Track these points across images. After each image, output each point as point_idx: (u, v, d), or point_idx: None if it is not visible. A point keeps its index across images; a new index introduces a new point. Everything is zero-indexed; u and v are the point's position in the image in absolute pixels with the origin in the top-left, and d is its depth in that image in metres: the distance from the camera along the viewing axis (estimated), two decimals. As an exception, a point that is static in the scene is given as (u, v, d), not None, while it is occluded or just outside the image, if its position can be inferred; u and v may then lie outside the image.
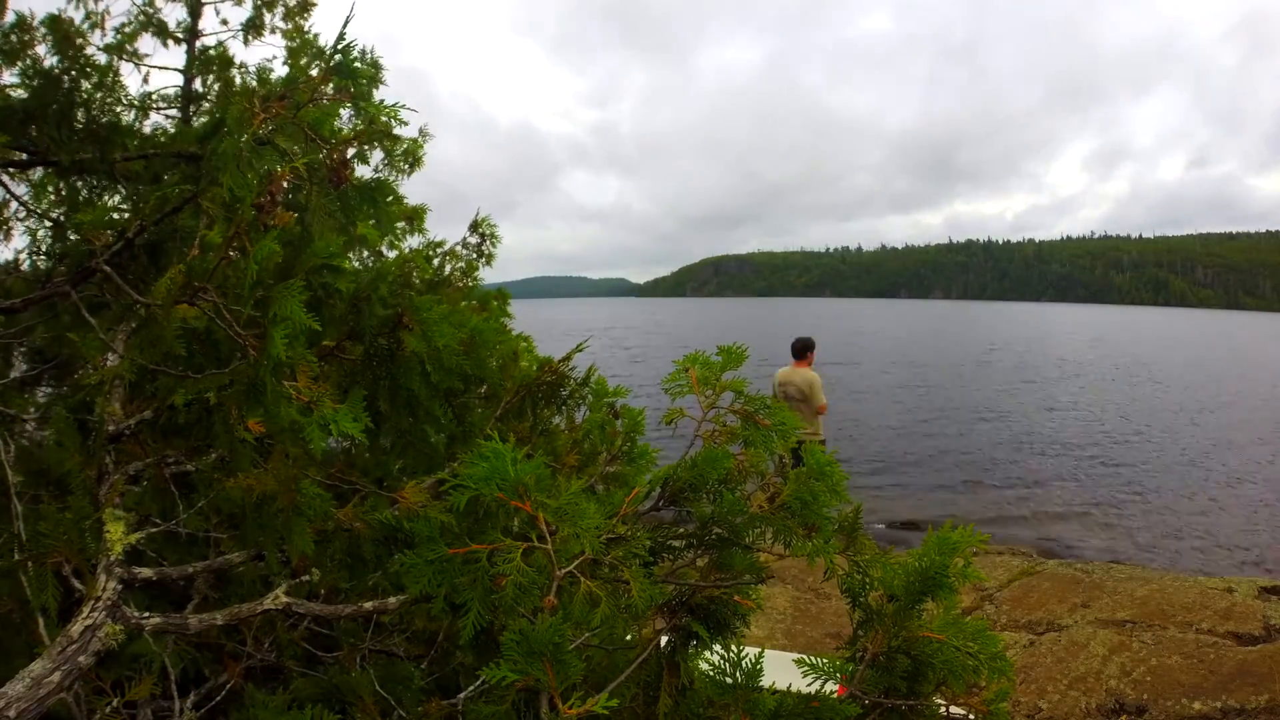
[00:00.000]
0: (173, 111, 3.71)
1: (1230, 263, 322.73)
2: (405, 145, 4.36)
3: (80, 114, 2.14)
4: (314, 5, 4.46)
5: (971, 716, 1.16)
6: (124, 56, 3.64)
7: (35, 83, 2.10)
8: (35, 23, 2.34)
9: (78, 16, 3.57)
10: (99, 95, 2.19)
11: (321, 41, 4.04)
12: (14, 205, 2.40)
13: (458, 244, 3.88)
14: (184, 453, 1.54)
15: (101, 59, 2.25)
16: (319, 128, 1.17)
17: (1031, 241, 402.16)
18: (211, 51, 3.78)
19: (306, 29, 4.42)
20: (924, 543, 1.24)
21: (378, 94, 1.39)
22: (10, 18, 2.32)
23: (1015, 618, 4.78)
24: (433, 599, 0.98)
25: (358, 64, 1.20)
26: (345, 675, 1.39)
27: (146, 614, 1.11)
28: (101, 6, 3.69)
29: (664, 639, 1.24)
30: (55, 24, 2.29)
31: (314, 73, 1.19)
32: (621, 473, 1.72)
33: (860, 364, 30.26)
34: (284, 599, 1.19)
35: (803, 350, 6.85)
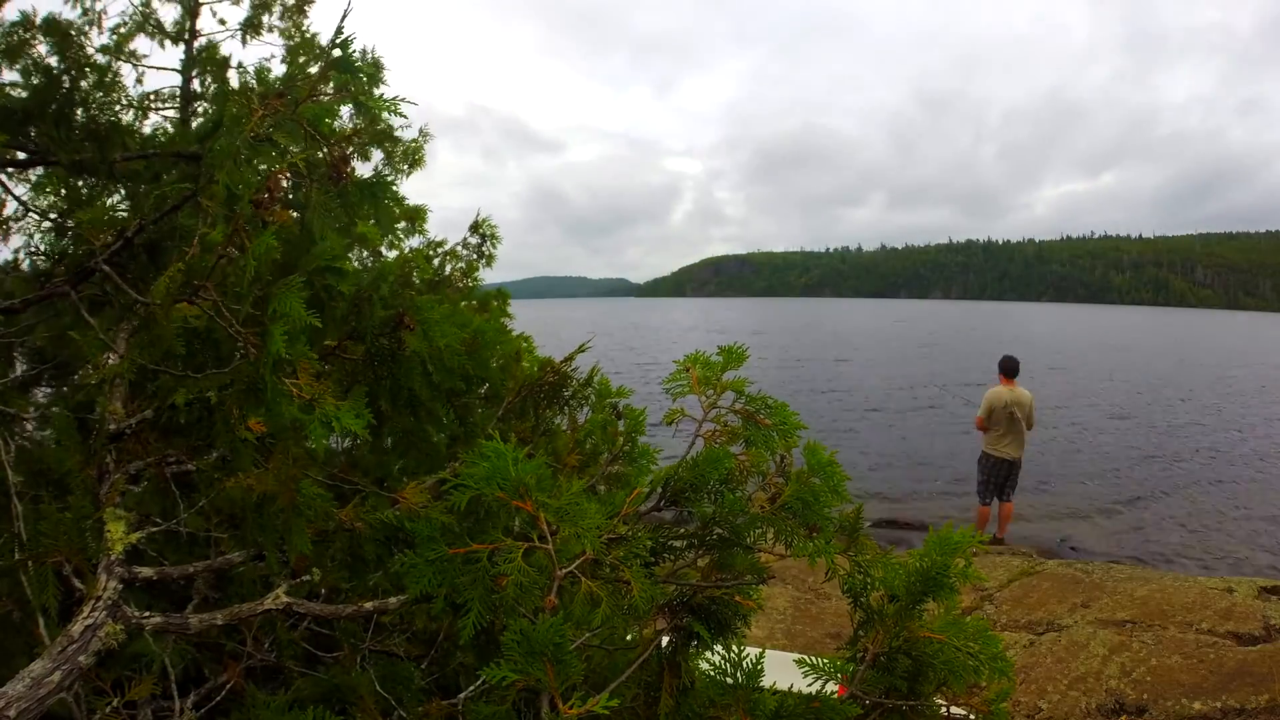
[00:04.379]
0: (171, 112, 3.71)
1: (1230, 263, 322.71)
2: (405, 145, 4.34)
3: (80, 113, 2.14)
4: (310, 4, 4.45)
5: (972, 716, 1.16)
6: (122, 57, 3.64)
7: (35, 82, 2.10)
8: (37, 21, 2.33)
9: (74, 16, 3.56)
10: (98, 95, 2.19)
11: (321, 41, 4.03)
12: (13, 205, 2.40)
13: (458, 244, 3.88)
14: (185, 452, 1.54)
15: (100, 59, 2.25)
16: (318, 124, 1.16)
17: (1031, 241, 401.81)
18: (205, 54, 3.77)
19: (305, 28, 4.41)
20: (925, 543, 1.24)
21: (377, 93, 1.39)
22: (14, 15, 2.31)
23: (1015, 618, 4.77)
24: (433, 599, 0.98)
25: (358, 61, 1.20)
26: (345, 675, 1.38)
27: (147, 613, 1.11)
28: (99, 6, 3.68)
29: (665, 639, 1.24)
30: (53, 26, 2.28)
31: (313, 70, 1.19)
32: (623, 473, 1.72)
33: (849, 362, 30.28)
34: (284, 599, 1.19)
35: (1018, 369, 7.22)
